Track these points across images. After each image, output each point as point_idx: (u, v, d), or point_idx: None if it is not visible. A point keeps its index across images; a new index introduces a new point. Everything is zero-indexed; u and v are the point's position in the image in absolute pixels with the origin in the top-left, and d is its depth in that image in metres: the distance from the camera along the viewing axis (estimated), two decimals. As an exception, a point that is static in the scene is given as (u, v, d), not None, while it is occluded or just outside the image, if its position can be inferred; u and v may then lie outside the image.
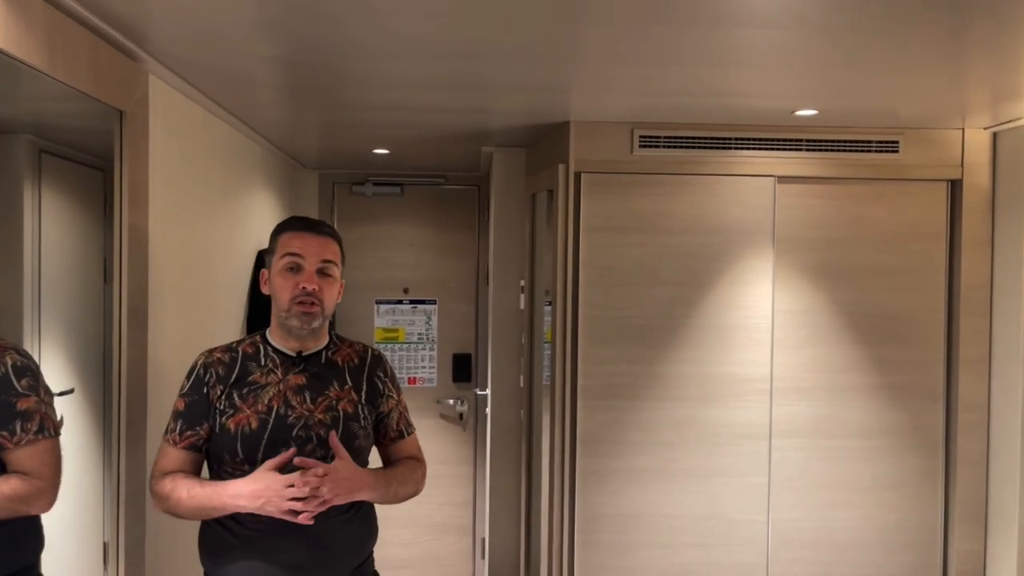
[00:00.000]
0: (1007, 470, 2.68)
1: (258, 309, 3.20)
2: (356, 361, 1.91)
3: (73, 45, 1.63)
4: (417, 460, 1.98)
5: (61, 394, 1.87)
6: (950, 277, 2.80)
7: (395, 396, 1.96)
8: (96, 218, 2.03)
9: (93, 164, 2.06)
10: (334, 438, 1.75)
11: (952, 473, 2.79)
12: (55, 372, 1.88)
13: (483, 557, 3.90)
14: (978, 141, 2.76)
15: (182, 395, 1.83)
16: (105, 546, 1.92)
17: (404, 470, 1.92)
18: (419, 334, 4.36)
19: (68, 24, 1.61)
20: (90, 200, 2.05)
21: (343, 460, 1.74)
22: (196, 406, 1.80)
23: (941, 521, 2.81)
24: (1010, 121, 2.64)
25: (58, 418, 1.68)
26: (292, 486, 1.67)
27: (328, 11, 1.62)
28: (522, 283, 3.39)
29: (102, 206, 2.00)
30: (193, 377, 1.83)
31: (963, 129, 2.76)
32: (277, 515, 1.68)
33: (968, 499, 2.77)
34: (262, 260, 3.24)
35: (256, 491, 1.68)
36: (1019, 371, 2.62)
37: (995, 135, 2.76)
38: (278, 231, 1.86)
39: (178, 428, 1.80)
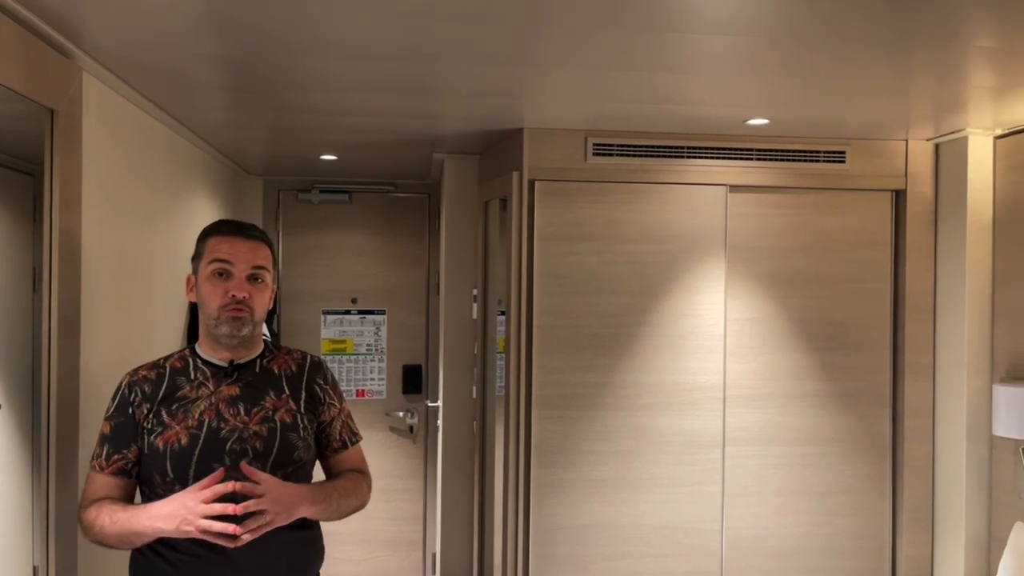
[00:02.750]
0: (952, 475, 2.73)
1: (199, 320, 3.08)
2: (294, 368, 1.82)
3: (0, 39, 1.53)
4: (361, 473, 1.88)
5: (-13, 410, 1.76)
6: (895, 285, 2.86)
7: (337, 404, 1.86)
8: (24, 225, 1.92)
9: (21, 168, 1.94)
10: (245, 466, 1.61)
11: (899, 478, 2.83)
12: (-21, 387, 1.77)
13: (434, 572, 3.82)
14: (921, 152, 2.83)
15: (107, 418, 1.72)
16: (35, 570, 1.81)
17: (346, 483, 1.81)
18: (368, 345, 4.27)
19: (-6, 15, 1.51)
20: (18, 206, 1.93)
21: (267, 479, 1.60)
22: (122, 428, 1.69)
23: (889, 526, 2.85)
24: (951, 133, 2.71)
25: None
26: (212, 502, 1.53)
27: (273, 7, 1.56)
28: (475, 292, 3.34)
29: (31, 212, 1.89)
30: (118, 398, 1.72)
31: (907, 140, 2.82)
32: (198, 535, 1.53)
33: (915, 504, 2.81)
34: (203, 269, 3.16)
35: (171, 511, 1.55)
36: (962, 377, 2.68)
37: (937, 146, 2.83)
38: (205, 235, 1.76)
39: (104, 453, 1.69)
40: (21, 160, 1.93)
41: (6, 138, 1.93)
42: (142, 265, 2.50)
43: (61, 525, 1.83)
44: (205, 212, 3.33)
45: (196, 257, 1.77)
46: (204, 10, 1.59)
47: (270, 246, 1.79)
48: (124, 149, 2.30)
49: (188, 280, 1.78)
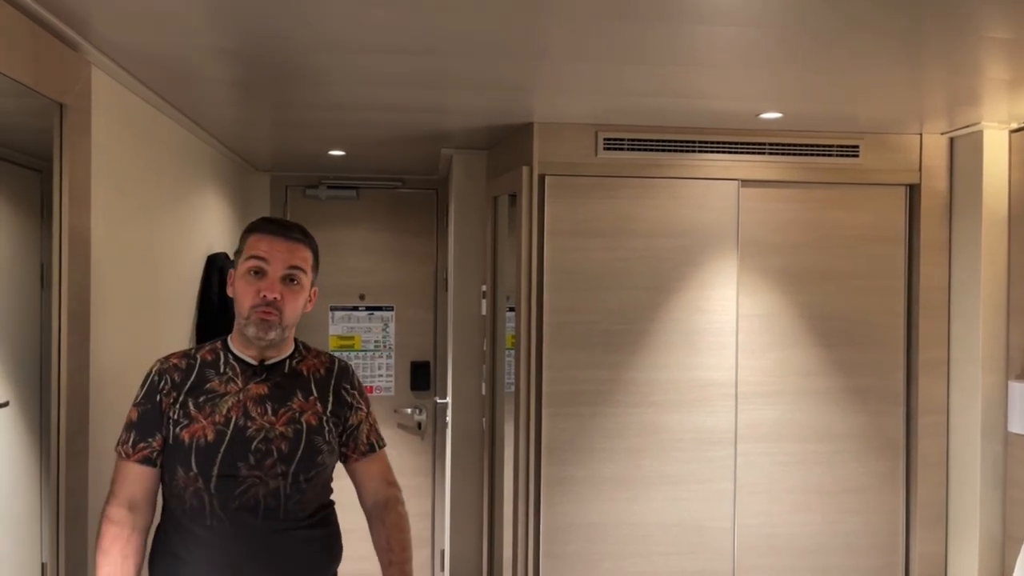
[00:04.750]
0: (967, 472, 2.71)
1: (209, 317, 3.08)
2: (322, 372, 1.82)
3: (9, 32, 1.51)
4: (394, 500, 1.89)
5: (-4, 407, 1.75)
6: (909, 280, 2.83)
7: (364, 408, 1.88)
8: (32, 221, 1.91)
9: (29, 165, 1.93)
10: None
11: (913, 476, 2.81)
12: (-11, 384, 1.76)
13: (442, 569, 3.81)
14: (935, 146, 2.79)
15: (135, 404, 1.72)
16: (43, 567, 1.80)
17: (402, 537, 1.85)
18: (376, 342, 4.26)
19: (3, 9, 1.49)
20: (25, 202, 1.93)
21: None
22: (149, 416, 1.69)
23: (903, 524, 2.83)
24: (966, 127, 2.68)
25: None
26: None
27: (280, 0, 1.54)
28: (483, 288, 3.32)
29: (38, 209, 1.88)
30: (147, 385, 1.72)
31: (921, 134, 2.79)
32: None
33: (929, 502, 2.79)
34: (212, 265, 3.15)
35: None
36: (977, 373, 2.65)
37: (952, 140, 2.80)
38: (247, 231, 1.76)
39: (131, 440, 1.69)
40: (28, 156, 1.92)
41: (14, 134, 1.93)
42: (151, 261, 2.49)
43: (71, 522, 1.82)
44: (213, 208, 3.32)
45: (237, 253, 1.77)
46: (212, 3, 1.57)
47: (312, 248, 1.77)
48: (133, 144, 2.28)
49: (230, 275, 1.78)
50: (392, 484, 1.92)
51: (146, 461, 1.68)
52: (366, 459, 1.86)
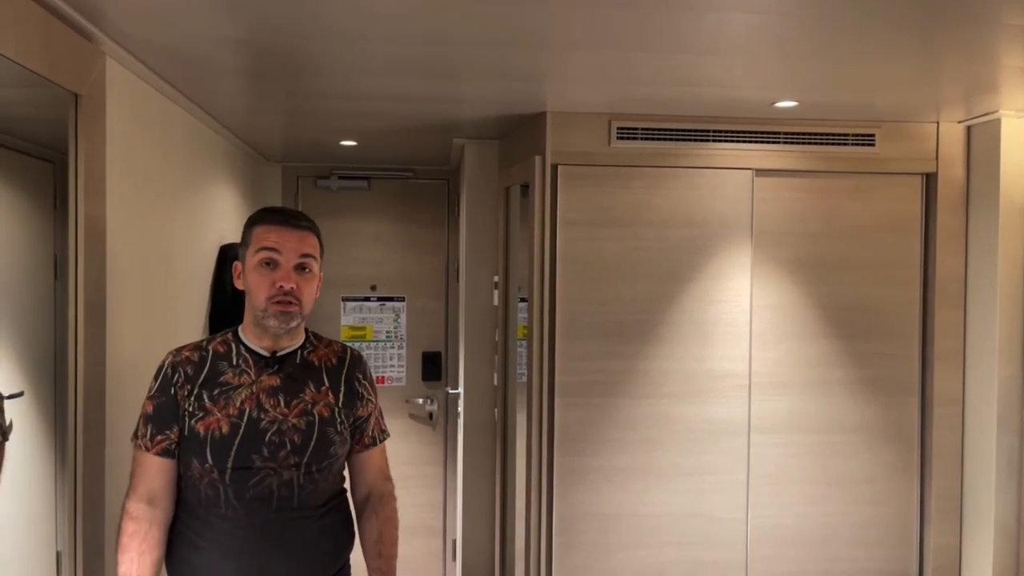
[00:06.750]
0: (982, 464, 2.69)
1: (221, 306, 3.09)
2: (334, 361, 1.82)
3: (25, 22, 1.51)
4: (389, 495, 1.92)
5: (11, 397, 1.76)
6: (925, 270, 2.81)
7: (374, 400, 1.88)
8: (46, 212, 1.91)
9: (42, 156, 1.94)
10: None
11: (928, 467, 2.80)
12: (3, 374, 1.77)
13: (455, 559, 3.82)
14: (952, 135, 2.77)
15: (150, 397, 1.73)
16: (58, 556, 1.81)
17: (393, 532, 1.90)
18: (387, 332, 4.26)
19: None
20: (39, 193, 1.93)
21: None
22: (164, 408, 1.70)
23: (917, 516, 2.82)
24: (983, 115, 2.65)
25: (7, 423, 1.57)
26: None
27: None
28: (496, 279, 3.32)
29: (52, 200, 1.88)
30: (161, 378, 1.73)
31: (938, 123, 2.77)
32: None
33: (944, 493, 2.77)
34: (224, 255, 3.16)
35: None
36: (993, 364, 2.63)
37: (969, 129, 2.77)
38: (252, 223, 1.76)
39: (149, 433, 1.70)
40: (41, 147, 1.92)
41: (27, 125, 1.93)
42: (164, 251, 2.50)
43: (88, 511, 1.83)
44: (225, 199, 3.32)
45: (243, 245, 1.76)
46: (227, -9, 1.57)
47: (317, 234, 1.78)
48: (146, 134, 2.29)
49: (235, 267, 1.78)
50: (388, 478, 1.94)
51: (165, 453, 1.69)
52: (368, 451, 1.87)
